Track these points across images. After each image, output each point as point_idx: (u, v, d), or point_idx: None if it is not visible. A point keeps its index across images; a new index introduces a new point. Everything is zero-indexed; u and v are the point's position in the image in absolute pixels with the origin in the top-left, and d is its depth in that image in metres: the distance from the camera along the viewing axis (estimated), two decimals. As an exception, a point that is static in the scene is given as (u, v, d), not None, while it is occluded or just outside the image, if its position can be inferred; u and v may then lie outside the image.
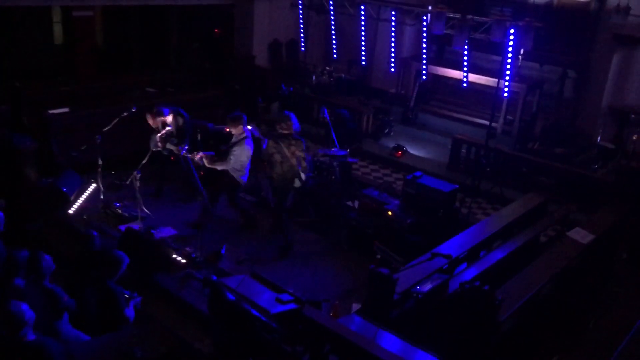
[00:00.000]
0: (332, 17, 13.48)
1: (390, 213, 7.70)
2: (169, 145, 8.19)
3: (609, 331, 6.32)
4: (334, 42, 13.85)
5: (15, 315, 4.16)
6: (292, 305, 5.01)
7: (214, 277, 6.04)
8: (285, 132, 7.46)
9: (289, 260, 7.41)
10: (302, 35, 14.09)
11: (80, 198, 8.02)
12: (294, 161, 7.41)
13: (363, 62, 14.13)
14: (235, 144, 7.53)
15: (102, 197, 8.13)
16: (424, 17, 11.80)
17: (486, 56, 13.20)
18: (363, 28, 13.30)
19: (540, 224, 7.84)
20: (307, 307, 4.90)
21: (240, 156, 7.51)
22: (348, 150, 9.07)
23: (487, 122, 10.40)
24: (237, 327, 4.95)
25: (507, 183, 10.16)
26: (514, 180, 10.34)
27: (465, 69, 12.27)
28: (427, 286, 5.73)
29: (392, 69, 13.72)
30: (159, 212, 8.16)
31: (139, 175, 7.47)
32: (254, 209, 8.50)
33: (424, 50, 12.49)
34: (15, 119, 9.00)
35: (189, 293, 6.48)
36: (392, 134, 12.71)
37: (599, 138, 11.31)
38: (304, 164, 7.52)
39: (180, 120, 8.44)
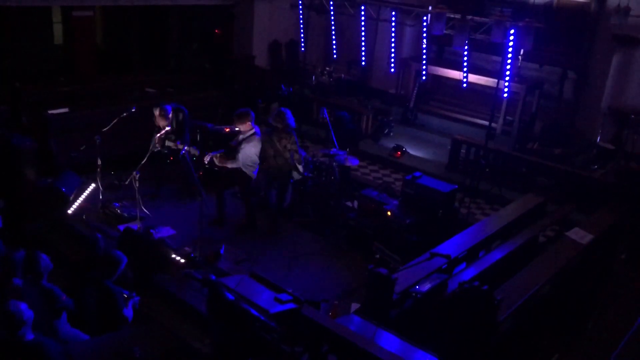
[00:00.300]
0: (332, 18, 13.47)
1: (389, 213, 7.69)
2: (167, 143, 8.19)
3: (608, 331, 6.33)
4: (334, 42, 13.84)
5: (14, 315, 4.16)
6: (291, 305, 4.99)
7: (213, 277, 6.03)
8: (279, 126, 7.56)
9: (288, 260, 7.41)
10: (302, 35, 14.08)
11: (80, 198, 8.02)
12: (286, 154, 7.61)
13: (363, 63, 14.12)
14: (243, 140, 7.56)
15: (101, 197, 8.12)
16: (424, 18, 11.80)
17: (486, 56, 13.22)
18: (363, 28, 13.29)
19: (539, 224, 7.83)
20: (306, 306, 4.89)
21: (249, 152, 7.56)
22: (347, 150, 9.07)
23: (486, 123, 10.40)
24: (236, 326, 4.95)
25: (507, 183, 10.16)
26: (513, 180, 10.34)
27: (465, 69, 12.27)
28: (426, 286, 5.73)
29: (392, 70, 13.71)
30: (158, 212, 8.17)
31: (138, 176, 7.47)
32: (254, 209, 8.51)
33: (424, 51, 12.48)
34: (15, 119, 9.01)
35: (187, 293, 6.48)
36: (391, 134, 12.71)
37: (598, 138, 11.31)
38: (297, 156, 7.70)
39: (180, 115, 8.45)
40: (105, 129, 7.97)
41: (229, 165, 7.57)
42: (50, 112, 9.20)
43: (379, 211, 7.84)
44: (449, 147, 11.28)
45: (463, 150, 11.04)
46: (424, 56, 12.57)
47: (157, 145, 8.21)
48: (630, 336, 5.72)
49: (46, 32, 13.36)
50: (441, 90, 14.10)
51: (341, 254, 7.82)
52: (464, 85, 12.58)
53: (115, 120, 8.07)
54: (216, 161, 7.53)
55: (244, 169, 7.64)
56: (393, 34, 12.97)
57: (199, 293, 6.37)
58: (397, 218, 7.59)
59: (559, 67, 12.58)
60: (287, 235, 8.04)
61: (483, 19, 10.86)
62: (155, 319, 6.12)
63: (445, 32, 11.11)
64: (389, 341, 4.65)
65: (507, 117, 12.59)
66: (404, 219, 7.55)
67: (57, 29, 13.41)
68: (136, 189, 7.54)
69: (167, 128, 8.24)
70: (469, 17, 10.71)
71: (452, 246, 6.52)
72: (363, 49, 13.76)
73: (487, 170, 10.28)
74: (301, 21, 13.93)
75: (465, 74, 12.36)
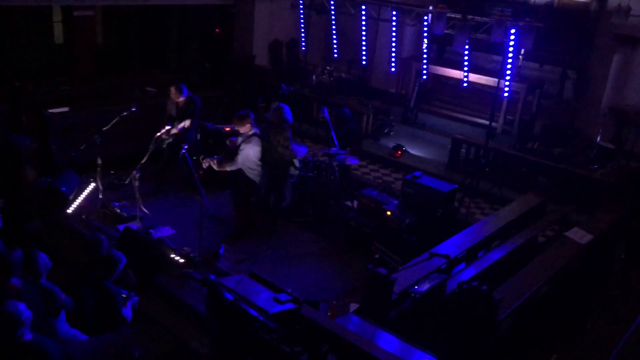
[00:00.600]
0: (333, 17, 13.47)
1: (389, 213, 7.69)
2: (168, 128, 8.23)
3: (607, 331, 6.33)
4: (334, 42, 13.83)
5: (13, 315, 4.16)
6: (290, 305, 5.00)
7: (212, 277, 6.04)
8: (275, 121, 7.57)
9: (287, 260, 7.41)
10: (302, 35, 14.09)
11: (79, 197, 8.04)
12: (280, 149, 7.54)
13: (363, 62, 14.12)
14: (242, 142, 7.53)
15: (101, 196, 8.12)
16: (425, 17, 11.80)
17: (486, 56, 13.21)
18: (364, 28, 13.29)
19: (538, 224, 7.83)
20: (305, 306, 4.88)
21: (249, 154, 7.49)
22: (348, 150, 9.06)
23: (487, 122, 10.40)
24: (235, 326, 4.95)
25: (506, 183, 10.16)
26: (513, 180, 10.34)
27: (465, 69, 12.27)
28: (426, 286, 5.72)
29: (393, 69, 13.70)
30: (157, 212, 8.16)
31: (138, 175, 7.48)
32: (254, 210, 8.50)
33: (425, 50, 12.48)
34: (15, 119, 9.01)
35: (187, 293, 6.48)
36: (392, 133, 12.71)
37: (598, 138, 11.29)
38: (287, 152, 7.64)
39: (192, 105, 8.51)
40: (105, 128, 7.97)
41: (228, 168, 7.54)
42: (50, 111, 9.19)
43: (378, 211, 7.84)
44: (449, 146, 11.28)
45: (463, 150, 11.04)
46: (425, 56, 12.57)
47: (162, 136, 8.21)
48: (629, 336, 5.73)
49: (47, 31, 13.35)
50: (442, 89, 14.09)
51: (340, 253, 7.81)
52: (465, 84, 12.57)
53: (115, 120, 8.06)
54: (214, 167, 7.52)
55: (246, 173, 7.57)
56: (394, 34, 12.96)
57: (198, 293, 6.37)
58: (397, 218, 7.58)
59: (559, 66, 12.57)
60: (287, 235, 8.04)
61: (484, 18, 10.87)
62: (154, 319, 6.13)
63: (445, 31, 11.12)
64: (388, 341, 4.65)
65: (508, 117, 12.59)
66: (403, 218, 7.54)
67: (58, 29, 13.41)
68: (136, 188, 7.54)
69: (168, 127, 8.25)
70: (470, 16, 10.72)
71: (452, 246, 6.52)
72: (363, 48, 13.75)
73: (487, 169, 10.28)
74: (302, 20, 13.94)
75: (465, 74, 12.35)
